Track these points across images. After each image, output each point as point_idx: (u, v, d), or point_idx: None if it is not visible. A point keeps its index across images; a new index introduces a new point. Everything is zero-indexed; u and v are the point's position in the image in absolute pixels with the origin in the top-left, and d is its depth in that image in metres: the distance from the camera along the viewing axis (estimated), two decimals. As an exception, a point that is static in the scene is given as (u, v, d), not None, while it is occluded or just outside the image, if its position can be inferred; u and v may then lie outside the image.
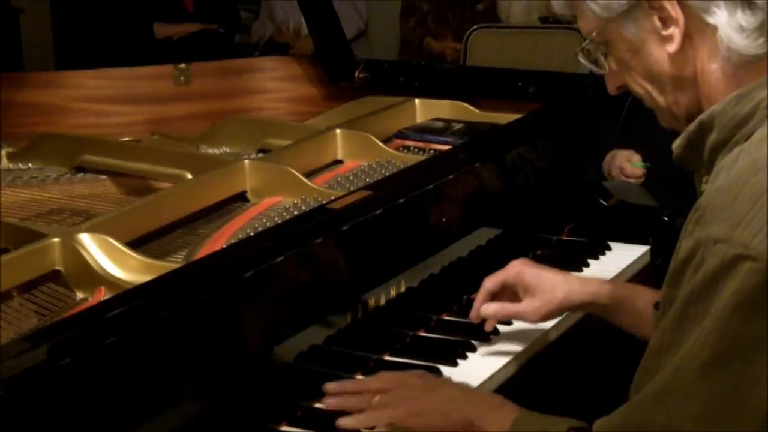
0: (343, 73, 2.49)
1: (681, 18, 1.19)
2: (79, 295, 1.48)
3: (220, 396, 1.36)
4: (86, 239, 1.51)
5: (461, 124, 2.20)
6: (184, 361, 1.31)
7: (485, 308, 1.58)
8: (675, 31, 1.19)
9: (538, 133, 2.13)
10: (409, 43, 4.92)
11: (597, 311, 1.59)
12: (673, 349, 1.13)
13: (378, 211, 1.64)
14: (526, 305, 1.57)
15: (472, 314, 1.61)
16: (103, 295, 1.44)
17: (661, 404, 1.11)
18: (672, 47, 1.20)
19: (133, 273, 1.49)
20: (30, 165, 2.10)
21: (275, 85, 2.54)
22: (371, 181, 1.87)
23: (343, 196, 1.67)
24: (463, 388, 1.43)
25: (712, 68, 1.20)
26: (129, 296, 1.34)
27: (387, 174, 1.92)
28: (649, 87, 1.26)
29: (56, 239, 1.51)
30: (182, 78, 2.43)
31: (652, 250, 2.03)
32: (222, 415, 1.36)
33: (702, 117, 1.21)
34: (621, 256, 1.99)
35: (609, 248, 2.02)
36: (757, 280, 1.06)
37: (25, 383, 1.14)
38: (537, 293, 1.56)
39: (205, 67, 2.47)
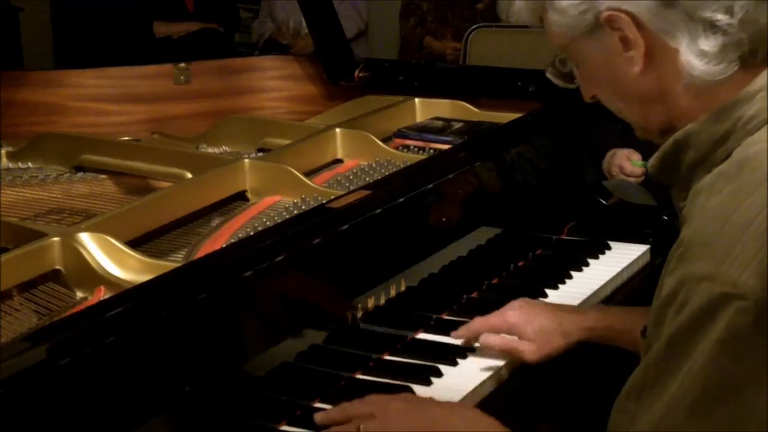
0: (343, 73, 2.49)
1: (640, 41, 1.17)
2: (79, 294, 1.48)
3: (220, 395, 1.36)
4: (86, 238, 1.51)
5: (461, 124, 2.20)
6: (184, 361, 1.31)
7: (487, 338, 1.56)
8: (635, 54, 1.18)
9: (538, 133, 2.13)
10: (408, 42, 4.92)
11: (597, 342, 1.57)
12: (657, 388, 1.11)
13: (378, 211, 1.64)
14: (526, 346, 1.55)
15: (457, 337, 1.60)
16: (103, 294, 1.44)
17: None
18: (635, 68, 1.19)
19: (133, 272, 1.49)
20: (30, 164, 2.10)
21: (275, 84, 2.54)
22: (371, 181, 1.87)
23: (343, 196, 1.67)
24: (449, 408, 1.39)
25: (678, 89, 1.19)
26: (129, 296, 1.34)
27: (387, 173, 1.92)
28: (619, 103, 1.26)
29: (56, 238, 1.51)
30: (182, 77, 2.43)
31: (652, 250, 2.02)
32: (222, 415, 1.36)
33: (677, 136, 1.20)
34: (621, 256, 1.99)
35: (609, 247, 2.02)
36: (745, 318, 1.03)
37: (25, 383, 1.14)
38: (533, 339, 1.55)
39: (205, 66, 2.47)
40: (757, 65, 1.17)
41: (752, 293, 1.03)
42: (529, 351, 1.55)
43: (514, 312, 1.58)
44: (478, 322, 1.59)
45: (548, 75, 1.32)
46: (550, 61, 1.30)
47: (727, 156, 1.15)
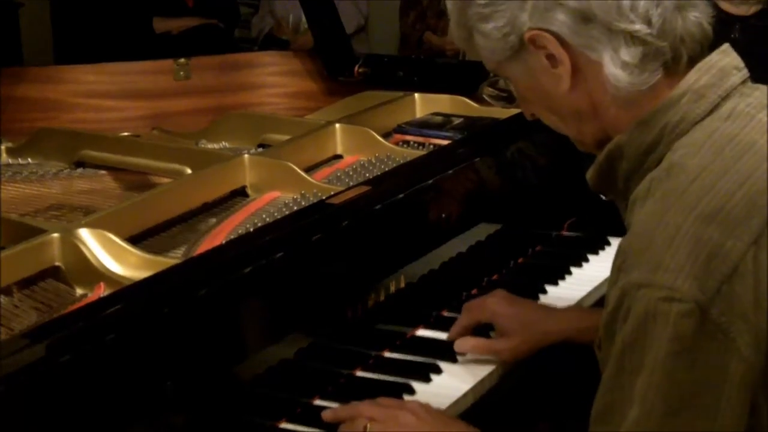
0: (343, 68, 2.49)
1: (566, 58, 1.18)
2: (79, 291, 1.48)
3: (220, 392, 1.36)
4: (86, 235, 1.51)
5: (461, 119, 2.20)
6: (183, 357, 1.31)
7: (462, 344, 1.57)
8: (563, 70, 1.19)
9: (538, 128, 2.10)
10: (408, 38, 4.91)
11: (577, 342, 1.56)
12: (618, 407, 1.11)
13: (377, 207, 1.64)
14: (502, 344, 1.55)
15: (451, 338, 1.60)
16: (103, 290, 1.44)
17: None
18: (563, 85, 1.20)
19: (133, 269, 1.49)
20: (29, 160, 2.10)
21: (275, 80, 2.54)
22: (371, 176, 1.87)
23: (343, 192, 1.67)
24: (458, 424, 1.39)
25: (605, 99, 1.19)
26: (129, 292, 1.34)
27: (386, 169, 1.92)
28: (553, 118, 1.27)
29: (56, 235, 1.51)
30: (182, 73, 2.43)
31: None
32: (222, 412, 1.36)
33: (609, 146, 1.21)
34: (621, 252, 1.99)
35: (608, 243, 2.02)
36: (689, 323, 1.04)
37: (25, 379, 1.14)
38: (512, 334, 1.55)
39: (205, 61, 2.47)
40: (681, 71, 1.18)
41: (690, 296, 1.04)
42: (508, 350, 1.54)
43: (494, 302, 1.59)
44: (464, 319, 1.60)
45: (485, 96, 1.33)
46: (486, 82, 1.31)
47: (659, 161, 1.16)
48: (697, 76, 1.17)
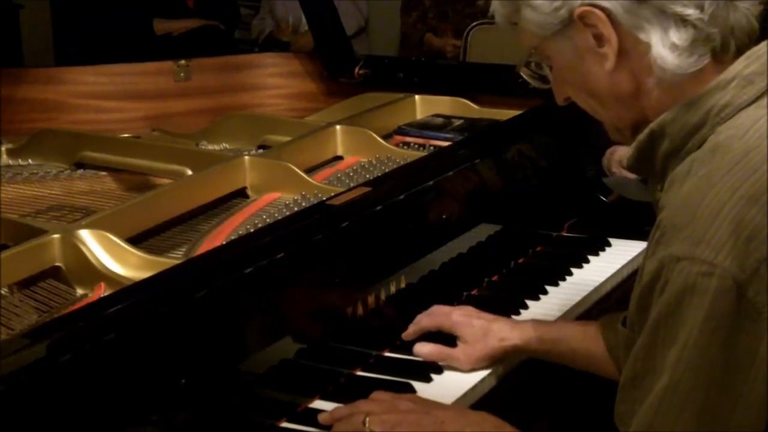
0: (343, 70, 2.49)
1: (614, 37, 1.18)
2: (79, 291, 1.48)
3: (220, 392, 1.36)
4: (86, 235, 1.51)
5: (461, 121, 2.20)
6: (183, 358, 1.31)
7: (419, 348, 1.56)
8: (608, 50, 1.19)
9: (538, 130, 2.13)
10: (409, 39, 4.91)
11: (533, 355, 1.56)
12: (648, 378, 1.12)
13: (378, 208, 1.64)
14: (460, 351, 1.55)
15: (407, 337, 1.60)
16: (103, 291, 1.44)
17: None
18: (608, 65, 1.20)
19: (133, 269, 1.49)
20: (30, 161, 2.10)
21: (275, 81, 2.54)
22: (371, 178, 1.87)
23: (343, 193, 1.67)
24: (457, 410, 1.41)
25: (650, 82, 1.20)
26: (129, 292, 1.34)
27: (387, 170, 1.92)
28: (591, 101, 1.27)
29: (56, 235, 1.51)
30: (182, 74, 2.43)
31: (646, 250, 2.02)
32: (222, 412, 1.36)
33: (652, 126, 1.21)
34: (621, 252, 1.99)
35: (609, 244, 2.02)
36: (725, 300, 1.06)
37: (25, 380, 1.14)
38: (470, 342, 1.55)
39: (205, 63, 2.47)
40: (727, 61, 1.19)
41: (730, 272, 1.06)
42: (464, 357, 1.53)
43: (459, 313, 1.59)
44: (424, 321, 1.60)
45: (523, 74, 1.32)
46: (523, 61, 1.30)
47: (701, 144, 1.17)
48: (746, 63, 1.18)
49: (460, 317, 1.58)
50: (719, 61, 1.19)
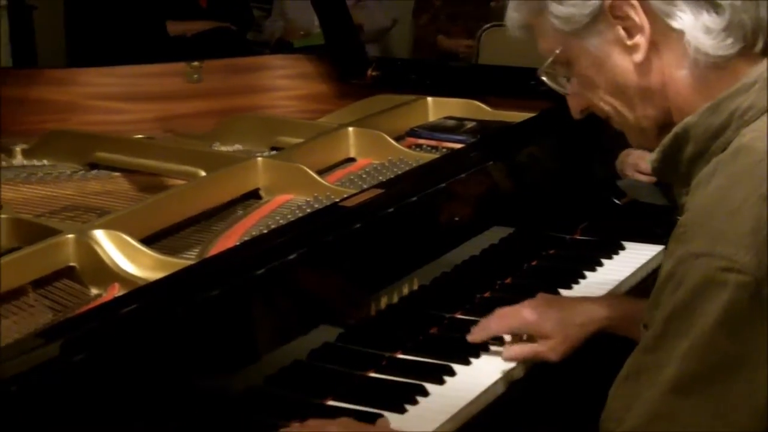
0: (355, 71, 2.49)
1: (646, 25, 1.18)
2: (93, 291, 1.49)
3: (232, 392, 1.36)
4: (100, 236, 1.52)
5: (473, 123, 2.20)
6: (196, 358, 1.32)
7: (509, 352, 1.56)
8: (641, 40, 1.18)
9: (551, 132, 2.12)
10: (421, 41, 4.91)
11: (613, 331, 1.56)
12: (655, 369, 1.12)
13: (390, 210, 1.64)
14: (544, 346, 1.54)
15: (473, 340, 1.59)
16: (117, 291, 1.45)
17: (651, 427, 1.11)
18: (638, 56, 1.19)
19: (147, 269, 1.49)
20: (44, 162, 2.11)
21: (287, 82, 2.55)
22: (383, 180, 1.87)
23: (355, 194, 1.67)
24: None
25: (679, 75, 1.19)
26: (143, 293, 1.34)
27: (399, 172, 1.92)
28: (615, 103, 1.25)
29: (70, 236, 1.52)
30: (195, 75, 2.43)
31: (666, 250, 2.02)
32: (234, 412, 1.36)
33: (677, 129, 1.21)
34: (635, 256, 1.98)
35: (623, 247, 2.01)
36: (744, 294, 1.06)
37: (39, 379, 1.14)
38: (550, 335, 1.54)
39: (217, 64, 2.48)
40: (754, 56, 1.19)
41: (749, 268, 1.06)
42: (551, 350, 1.54)
43: (529, 310, 1.57)
44: (494, 324, 1.58)
45: (544, 78, 1.31)
46: (545, 65, 1.29)
47: (726, 147, 1.17)
48: None
49: (532, 315, 1.56)
50: (746, 54, 1.18)
